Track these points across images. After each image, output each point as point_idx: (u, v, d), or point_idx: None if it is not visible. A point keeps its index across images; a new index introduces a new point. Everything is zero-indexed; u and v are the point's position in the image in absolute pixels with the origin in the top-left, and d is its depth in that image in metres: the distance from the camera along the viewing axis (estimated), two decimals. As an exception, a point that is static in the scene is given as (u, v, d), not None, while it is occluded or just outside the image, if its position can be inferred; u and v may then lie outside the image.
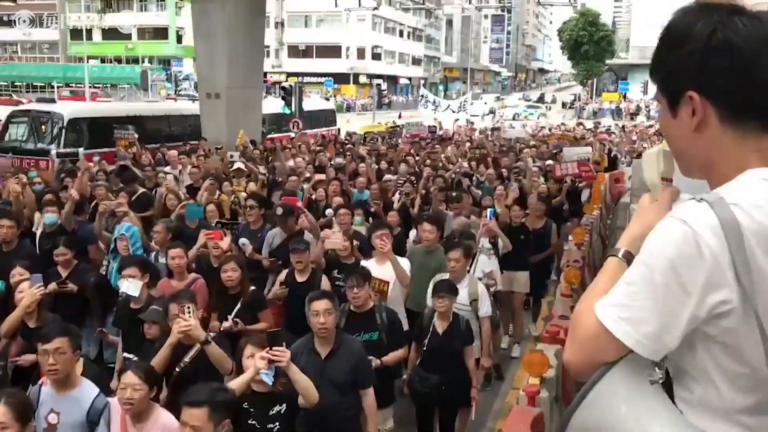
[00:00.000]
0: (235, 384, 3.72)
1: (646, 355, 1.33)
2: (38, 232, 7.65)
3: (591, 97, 72.86)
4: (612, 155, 19.70)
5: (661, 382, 1.37)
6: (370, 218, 8.59)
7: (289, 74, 64.91)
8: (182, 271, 6.07)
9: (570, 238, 9.03)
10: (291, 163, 13.47)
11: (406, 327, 5.84)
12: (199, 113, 22.55)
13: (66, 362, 3.74)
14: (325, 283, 6.00)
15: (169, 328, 4.62)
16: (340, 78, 69.47)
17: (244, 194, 9.61)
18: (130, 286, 5.44)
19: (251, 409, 3.73)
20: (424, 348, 5.37)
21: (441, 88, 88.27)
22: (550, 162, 14.75)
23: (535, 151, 18.06)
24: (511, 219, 8.53)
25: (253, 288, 5.80)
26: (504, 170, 13.20)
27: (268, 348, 3.63)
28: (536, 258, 8.76)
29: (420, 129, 27.50)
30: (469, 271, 6.86)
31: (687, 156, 1.45)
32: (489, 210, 7.95)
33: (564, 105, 72.29)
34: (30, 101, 35.96)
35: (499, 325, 8.03)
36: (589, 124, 36.82)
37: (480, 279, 6.80)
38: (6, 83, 63.72)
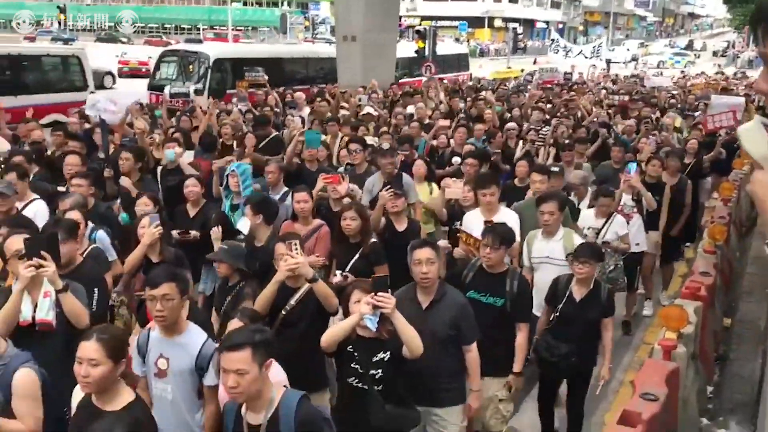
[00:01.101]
0: (340, 327, 3.73)
1: None
2: (159, 169, 7.77)
3: (746, 45, 67.11)
4: (761, 106, 18.18)
5: None
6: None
7: (423, 18, 64.25)
8: (307, 216, 5.87)
9: (715, 194, 8.55)
10: (411, 109, 13.02)
11: None
12: (335, 56, 22.95)
13: (174, 309, 3.66)
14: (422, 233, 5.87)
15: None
16: (475, 22, 67.97)
17: (374, 139, 9.40)
18: (241, 223, 5.61)
19: (355, 353, 3.71)
20: (557, 314, 4.99)
21: (581, 31, 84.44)
22: (699, 113, 13.74)
23: (680, 103, 16.97)
24: (647, 174, 7.84)
25: (373, 240, 5.58)
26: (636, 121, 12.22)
27: (373, 293, 3.56)
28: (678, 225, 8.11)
29: (554, 75, 26.50)
30: (599, 232, 6.54)
31: None
32: (631, 164, 7.39)
33: (715, 53, 67.22)
34: (178, 42, 37.96)
35: (633, 286, 7.59)
36: (731, 73, 34.02)
37: (609, 242, 6.45)
38: (157, 25, 67.42)
